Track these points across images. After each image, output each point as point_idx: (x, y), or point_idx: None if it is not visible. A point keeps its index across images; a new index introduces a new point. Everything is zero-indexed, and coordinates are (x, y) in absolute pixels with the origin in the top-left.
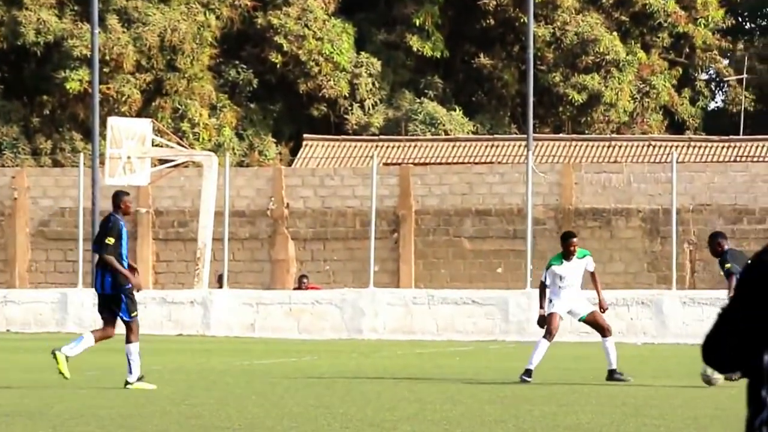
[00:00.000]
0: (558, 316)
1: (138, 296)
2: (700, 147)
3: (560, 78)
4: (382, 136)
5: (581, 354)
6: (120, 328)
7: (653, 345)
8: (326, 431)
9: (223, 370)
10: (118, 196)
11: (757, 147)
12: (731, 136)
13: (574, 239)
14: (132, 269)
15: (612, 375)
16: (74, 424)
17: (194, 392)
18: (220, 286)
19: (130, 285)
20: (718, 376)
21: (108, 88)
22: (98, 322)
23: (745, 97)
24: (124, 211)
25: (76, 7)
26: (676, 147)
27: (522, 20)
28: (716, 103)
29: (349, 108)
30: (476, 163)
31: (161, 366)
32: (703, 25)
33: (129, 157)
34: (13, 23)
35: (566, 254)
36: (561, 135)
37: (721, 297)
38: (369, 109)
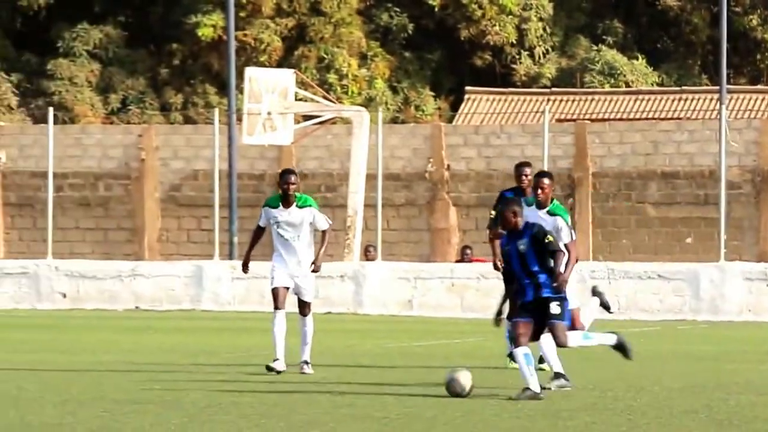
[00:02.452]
0: None
1: None
2: None
3: (758, 21)
4: (554, 89)
5: None
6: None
7: None
8: (495, 422)
9: (378, 353)
10: None
11: None
12: None
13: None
14: None
15: None
16: (211, 413)
17: (347, 377)
18: (368, 259)
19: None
20: None
21: (245, 35)
22: (237, 298)
23: None
24: None
25: None
26: None
27: None
28: None
29: (517, 57)
30: (662, 119)
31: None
32: None
33: (269, 113)
34: None
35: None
36: (759, 87)
37: None
38: (539, 57)
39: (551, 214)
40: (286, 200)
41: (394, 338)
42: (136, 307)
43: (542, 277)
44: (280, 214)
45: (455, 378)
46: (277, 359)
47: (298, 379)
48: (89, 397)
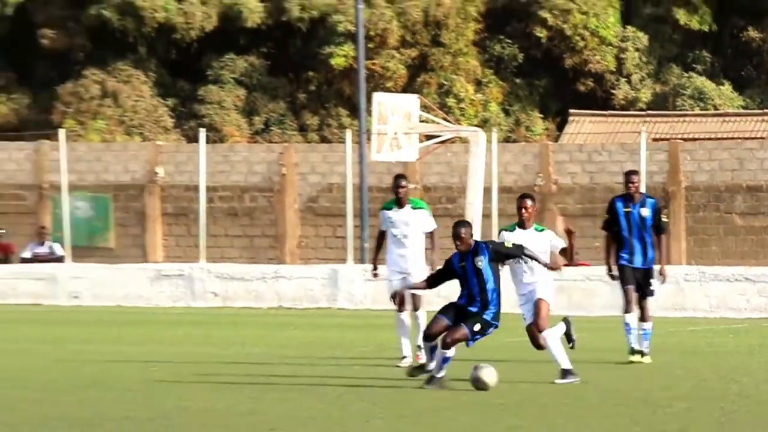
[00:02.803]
0: None
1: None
2: None
3: None
4: (649, 111)
5: None
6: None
7: None
8: (600, 408)
9: (496, 347)
10: None
11: None
12: None
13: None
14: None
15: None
16: (347, 400)
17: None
18: None
19: None
20: None
21: (373, 64)
22: (369, 297)
23: None
24: None
25: None
26: None
27: None
28: None
29: (616, 83)
30: (747, 138)
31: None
32: None
33: (395, 133)
34: (277, 0)
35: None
36: None
37: None
38: (636, 83)
39: (539, 231)
40: (398, 202)
41: (511, 335)
42: (279, 306)
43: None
44: (394, 214)
45: (479, 377)
46: (405, 357)
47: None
48: (239, 385)
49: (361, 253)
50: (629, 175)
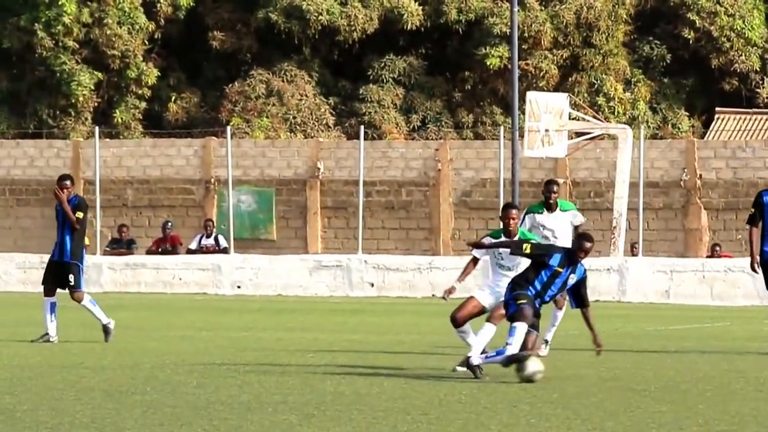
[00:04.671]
0: None
1: None
2: None
3: None
4: None
5: None
6: None
7: None
8: (744, 396)
9: (638, 335)
10: None
11: None
12: None
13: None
14: None
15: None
16: (497, 387)
17: (611, 356)
18: (633, 254)
19: None
20: None
21: (527, 64)
22: None
23: None
24: None
25: None
26: None
27: None
28: None
29: (760, 82)
30: None
31: (578, 331)
32: None
33: (547, 130)
34: (436, 2)
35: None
36: None
37: None
38: None
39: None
40: (548, 206)
41: (653, 322)
42: (433, 296)
43: None
44: (545, 219)
45: (526, 369)
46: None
47: (568, 358)
48: (392, 372)
49: None
50: None
